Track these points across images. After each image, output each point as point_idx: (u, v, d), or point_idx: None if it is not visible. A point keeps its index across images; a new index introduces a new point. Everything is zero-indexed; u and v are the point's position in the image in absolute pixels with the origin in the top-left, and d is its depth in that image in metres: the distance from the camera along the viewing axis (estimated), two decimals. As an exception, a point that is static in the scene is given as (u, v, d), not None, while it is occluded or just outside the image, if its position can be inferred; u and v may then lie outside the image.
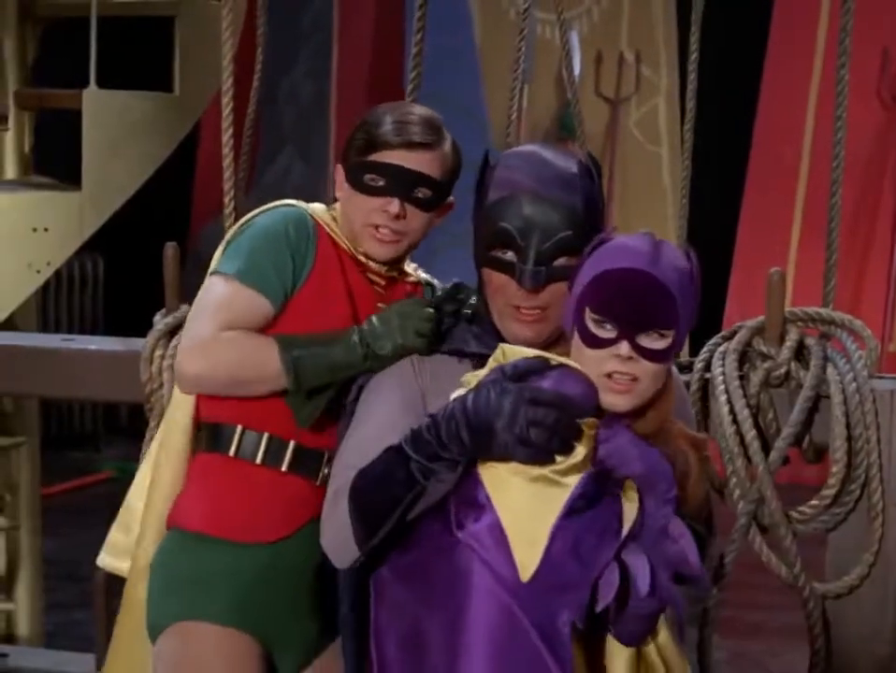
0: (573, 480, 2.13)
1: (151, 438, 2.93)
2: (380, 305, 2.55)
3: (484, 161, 2.39)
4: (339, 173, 2.57)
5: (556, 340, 2.35)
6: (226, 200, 3.02)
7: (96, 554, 2.78)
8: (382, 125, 2.51)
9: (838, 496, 2.79)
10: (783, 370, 2.82)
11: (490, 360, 2.25)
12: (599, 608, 2.13)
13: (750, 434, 2.78)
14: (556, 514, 2.11)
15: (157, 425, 2.92)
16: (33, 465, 4.75)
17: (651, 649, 2.25)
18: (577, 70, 8.19)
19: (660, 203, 8.39)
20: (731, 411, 2.79)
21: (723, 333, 2.92)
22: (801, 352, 2.84)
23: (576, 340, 2.21)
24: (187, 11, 4.54)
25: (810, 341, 2.85)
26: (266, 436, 2.52)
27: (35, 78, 4.77)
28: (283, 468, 2.53)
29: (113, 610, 2.78)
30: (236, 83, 3.00)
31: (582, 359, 2.20)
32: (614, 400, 2.18)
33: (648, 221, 7.35)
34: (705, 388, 2.88)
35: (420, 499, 2.19)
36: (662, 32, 8.50)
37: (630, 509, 2.15)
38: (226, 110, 2.97)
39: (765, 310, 2.85)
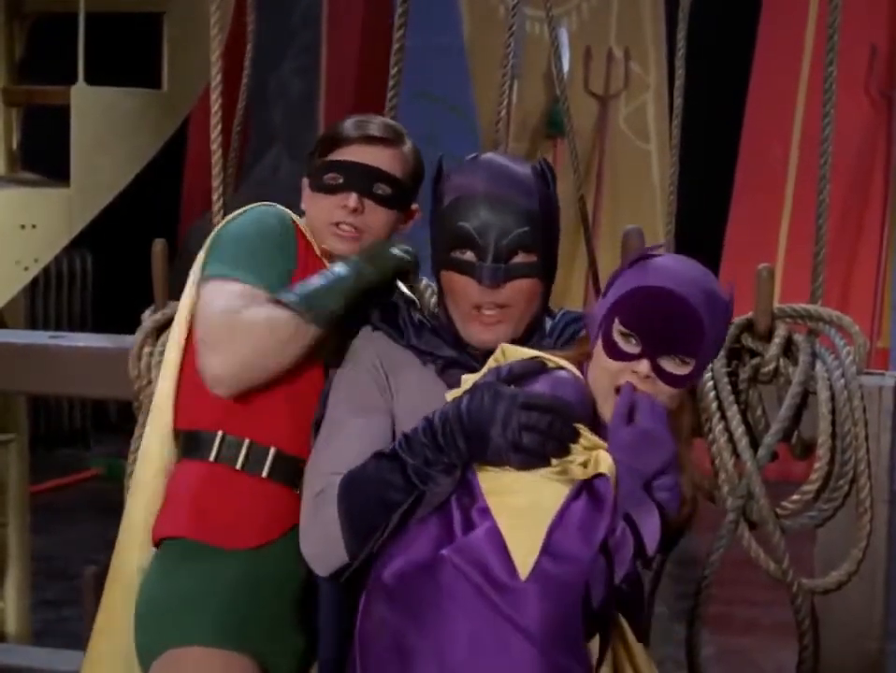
0: (569, 484, 2.12)
1: (140, 436, 2.93)
2: None
3: (438, 169, 2.41)
4: (305, 185, 2.60)
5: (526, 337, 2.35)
6: (215, 197, 3.01)
7: (85, 551, 2.78)
8: (342, 125, 2.57)
9: (821, 491, 2.80)
10: (771, 366, 2.82)
11: (490, 359, 2.25)
12: (619, 578, 2.12)
13: (739, 430, 2.78)
14: (552, 513, 2.10)
15: (145, 422, 2.92)
16: (21, 462, 4.74)
17: (623, 656, 2.25)
18: (566, 67, 8.19)
19: (649, 199, 8.39)
20: (720, 407, 2.79)
21: (712, 329, 2.92)
22: (789, 349, 2.85)
23: (598, 347, 2.21)
24: (175, 7, 4.53)
25: (798, 337, 2.85)
26: (246, 441, 2.51)
27: (22, 74, 4.76)
28: (264, 475, 2.51)
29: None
30: (224, 80, 2.99)
31: (598, 367, 2.20)
32: None
33: (637, 218, 7.35)
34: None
35: (419, 505, 2.18)
36: (651, 28, 8.51)
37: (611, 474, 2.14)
38: (215, 107, 2.96)
39: (753, 306, 2.85)
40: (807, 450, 2.84)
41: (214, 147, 2.97)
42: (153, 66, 4.50)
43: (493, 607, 2.08)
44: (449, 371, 2.38)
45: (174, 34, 4.50)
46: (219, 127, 2.96)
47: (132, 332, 3.00)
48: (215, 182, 3.01)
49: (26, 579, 4.75)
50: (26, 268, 4.21)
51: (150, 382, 2.93)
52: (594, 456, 2.14)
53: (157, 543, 2.55)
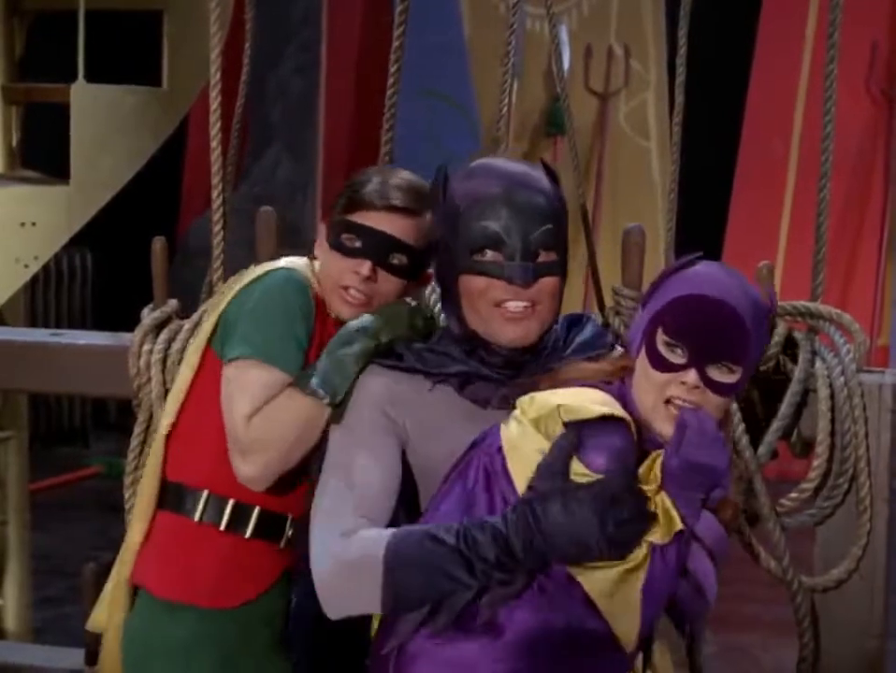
0: (646, 548, 2.11)
1: (139, 434, 2.94)
2: None
3: (443, 176, 2.35)
4: (322, 230, 2.54)
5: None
6: (214, 195, 3.01)
7: (85, 549, 2.78)
8: (366, 186, 2.48)
9: (820, 489, 2.80)
10: (771, 364, 2.82)
11: (517, 412, 2.17)
12: (711, 594, 2.16)
13: (739, 428, 2.77)
14: (640, 580, 2.10)
15: (145, 420, 2.92)
16: (21, 459, 4.75)
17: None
18: (566, 64, 8.19)
19: (649, 196, 8.40)
20: (720, 405, 2.79)
21: (712, 327, 2.91)
22: (789, 346, 2.85)
23: (642, 360, 2.17)
24: (175, 5, 4.54)
25: (798, 335, 2.85)
26: (231, 502, 2.50)
27: (22, 71, 4.77)
28: (247, 535, 2.51)
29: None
30: (223, 78, 2.99)
31: (644, 380, 2.16)
32: (671, 430, 2.13)
33: (637, 215, 7.35)
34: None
35: (485, 596, 2.12)
36: (651, 25, 8.51)
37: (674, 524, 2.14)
38: (214, 105, 2.96)
39: (753, 304, 2.85)
40: (807, 448, 2.84)
41: (214, 145, 2.97)
42: (153, 64, 4.51)
43: (594, 666, 2.12)
44: (469, 387, 2.32)
45: (174, 31, 4.50)
46: (218, 125, 2.96)
47: (131, 329, 3.00)
48: (214, 180, 3.00)
49: (26, 576, 4.76)
50: (26, 266, 4.22)
51: (149, 380, 2.92)
52: (661, 507, 2.11)
53: (138, 586, 2.57)
